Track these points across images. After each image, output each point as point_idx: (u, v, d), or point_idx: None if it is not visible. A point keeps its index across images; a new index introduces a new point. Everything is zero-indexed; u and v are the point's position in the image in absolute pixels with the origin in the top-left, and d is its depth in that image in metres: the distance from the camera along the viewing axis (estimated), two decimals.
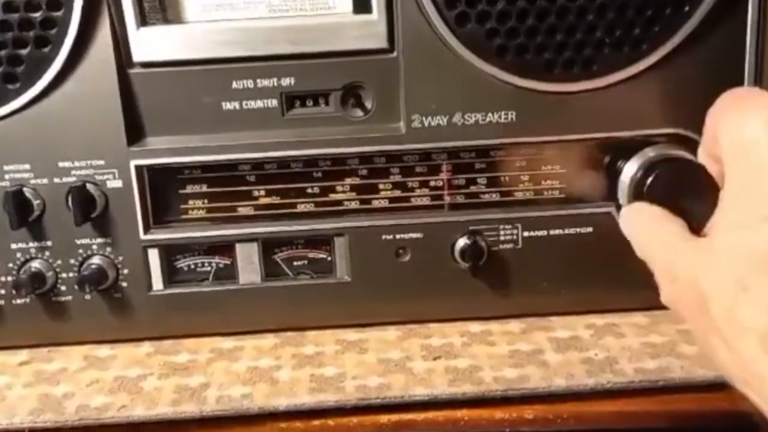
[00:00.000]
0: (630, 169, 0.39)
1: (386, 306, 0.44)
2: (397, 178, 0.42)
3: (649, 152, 0.39)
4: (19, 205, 0.41)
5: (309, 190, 0.43)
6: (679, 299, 0.30)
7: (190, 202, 0.43)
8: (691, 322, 0.30)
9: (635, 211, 0.36)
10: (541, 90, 0.40)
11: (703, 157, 0.35)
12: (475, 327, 0.44)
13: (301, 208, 0.43)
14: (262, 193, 0.43)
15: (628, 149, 0.40)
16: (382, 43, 0.40)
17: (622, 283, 0.43)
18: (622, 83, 0.39)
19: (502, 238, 0.43)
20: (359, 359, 0.42)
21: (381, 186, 0.43)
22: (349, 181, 0.42)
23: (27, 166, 0.41)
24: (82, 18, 0.38)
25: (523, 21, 0.38)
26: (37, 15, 0.38)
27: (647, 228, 0.34)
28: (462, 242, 0.42)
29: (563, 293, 0.44)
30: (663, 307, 0.38)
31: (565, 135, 0.41)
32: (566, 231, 0.42)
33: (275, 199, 0.43)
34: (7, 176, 0.41)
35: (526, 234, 0.43)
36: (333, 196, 0.43)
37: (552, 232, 0.43)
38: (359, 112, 0.41)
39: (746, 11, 0.39)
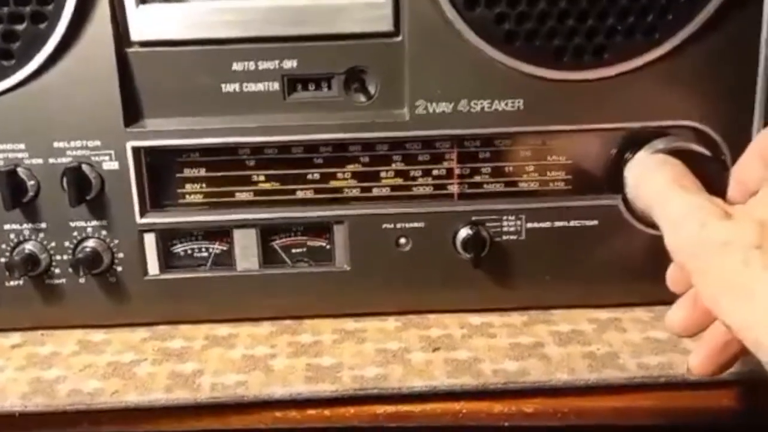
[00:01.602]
0: (642, 156, 0.38)
1: (385, 296, 0.43)
2: (400, 165, 0.42)
3: (659, 144, 0.38)
4: (13, 186, 0.40)
5: (309, 176, 0.42)
6: (705, 243, 0.29)
7: (188, 186, 0.42)
8: (713, 266, 0.28)
9: (660, 157, 0.36)
10: (550, 78, 0.39)
11: (750, 160, 0.33)
12: (475, 319, 0.44)
13: (300, 194, 0.42)
14: (262, 178, 0.42)
15: (636, 140, 0.39)
16: (387, 26, 0.39)
17: (626, 277, 0.42)
18: (634, 72, 0.38)
19: (505, 229, 0.42)
20: (357, 349, 0.41)
21: (383, 174, 0.42)
22: (350, 167, 0.42)
23: (22, 146, 0.40)
24: None
25: (534, 5, 0.37)
26: None
27: (676, 170, 0.33)
28: (464, 232, 0.41)
29: (566, 286, 0.43)
30: (665, 302, 0.37)
31: (574, 125, 0.40)
32: (571, 223, 0.42)
33: (275, 185, 0.42)
34: (0, 155, 0.40)
35: (529, 225, 0.42)
36: (333, 183, 0.42)
37: (556, 223, 0.42)
38: (362, 97, 0.40)
39: (762, 1, 0.38)
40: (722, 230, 0.29)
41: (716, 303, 0.29)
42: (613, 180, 0.40)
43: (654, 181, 0.34)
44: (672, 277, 0.35)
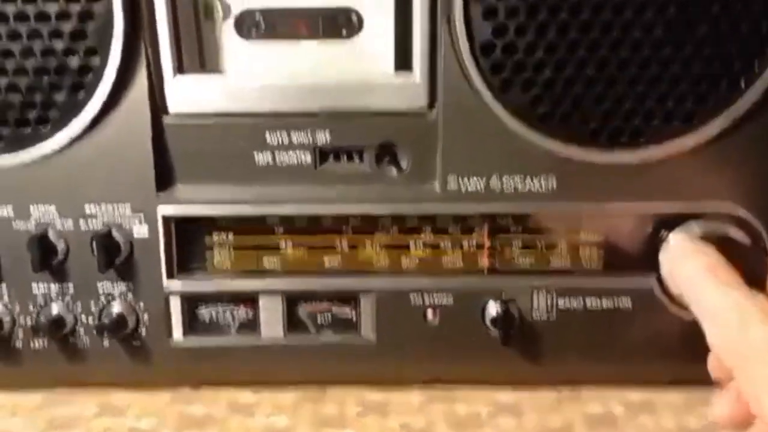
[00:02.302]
0: (676, 239, 0.37)
1: (411, 369, 0.43)
2: (429, 238, 0.41)
3: (695, 227, 0.38)
4: (43, 249, 0.40)
5: (337, 246, 0.42)
6: (747, 344, 0.28)
7: (216, 250, 0.42)
8: (757, 367, 0.28)
9: (694, 245, 0.35)
10: (585, 159, 0.38)
11: None
12: (503, 396, 0.42)
13: (328, 263, 0.42)
14: (290, 245, 0.42)
15: (672, 222, 0.38)
16: (421, 102, 0.38)
17: (659, 357, 0.41)
18: (671, 157, 0.38)
19: (535, 306, 0.41)
20: (381, 424, 0.40)
21: (412, 245, 0.41)
22: (379, 239, 0.41)
23: (53, 208, 0.40)
24: (119, 65, 0.38)
25: (569, 89, 0.36)
26: (74, 61, 0.37)
27: (711, 261, 0.33)
28: (493, 309, 0.41)
29: (597, 365, 0.42)
30: (700, 383, 0.36)
31: (608, 205, 0.39)
32: (603, 303, 0.41)
33: (302, 253, 0.42)
34: (32, 217, 0.40)
35: (561, 303, 0.41)
36: (361, 253, 0.42)
37: (588, 302, 0.41)
38: (394, 171, 0.40)
39: None
40: (765, 331, 0.28)
41: (760, 404, 0.28)
42: (647, 259, 0.39)
43: (689, 272, 0.33)
44: (714, 365, 0.34)
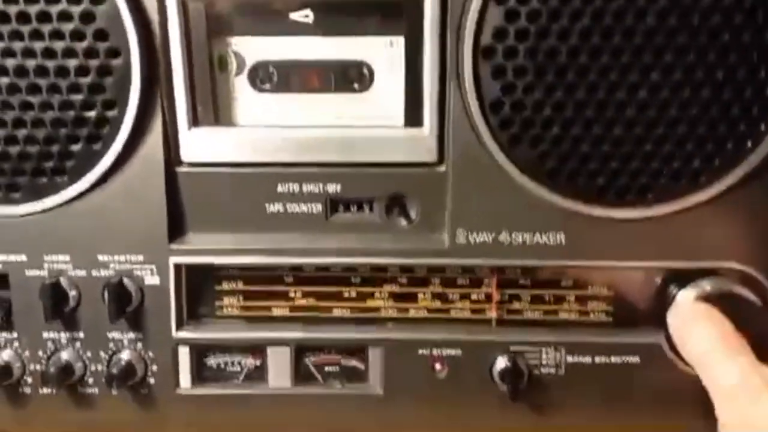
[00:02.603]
0: (684, 299, 0.37)
1: (419, 423, 0.42)
2: (438, 289, 0.41)
3: (705, 285, 0.38)
4: (55, 297, 0.40)
5: (346, 295, 0.42)
6: (759, 420, 0.28)
7: (225, 299, 0.42)
8: None
9: (702, 308, 0.35)
10: (593, 215, 0.38)
11: None
12: None
13: (337, 312, 0.42)
14: (299, 294, 0.42)
15: (681, 278, 0.39)
16: (431, 156, 0.39)
17: (669, 415, 0.41)
18: (678, 214, 0.38)
19: (544, 361, 0.41)
20: None
21: (420, 296, 0.41)
22: (387, 288, 0.41)
23: (66, 257, 0.41)
24: (135, 118, 0.38)
25: (577, 146, 0.37)
26: (92, 113, 0.38)
27: (719, 328, 0.33)
28: (502, 363, 0.40)
29: (607, 422, 0.41)
30: None
31: (616, 261, 0.39)
32: (612, 359, 0.40)
33: (311, 301, 0.42)
34: (46, 265, 0.41)
35: (569, 359, 0.41)
36: (370, 303, 0.42)
37: (597, 359, 0.40)
38: (403, 222, 0.40)
39: None
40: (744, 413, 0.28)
41: None
42: (656, 316, 0.39)
43: (696, 344, 0.33)
44: None
